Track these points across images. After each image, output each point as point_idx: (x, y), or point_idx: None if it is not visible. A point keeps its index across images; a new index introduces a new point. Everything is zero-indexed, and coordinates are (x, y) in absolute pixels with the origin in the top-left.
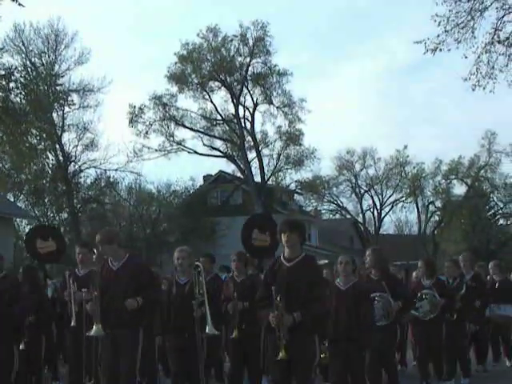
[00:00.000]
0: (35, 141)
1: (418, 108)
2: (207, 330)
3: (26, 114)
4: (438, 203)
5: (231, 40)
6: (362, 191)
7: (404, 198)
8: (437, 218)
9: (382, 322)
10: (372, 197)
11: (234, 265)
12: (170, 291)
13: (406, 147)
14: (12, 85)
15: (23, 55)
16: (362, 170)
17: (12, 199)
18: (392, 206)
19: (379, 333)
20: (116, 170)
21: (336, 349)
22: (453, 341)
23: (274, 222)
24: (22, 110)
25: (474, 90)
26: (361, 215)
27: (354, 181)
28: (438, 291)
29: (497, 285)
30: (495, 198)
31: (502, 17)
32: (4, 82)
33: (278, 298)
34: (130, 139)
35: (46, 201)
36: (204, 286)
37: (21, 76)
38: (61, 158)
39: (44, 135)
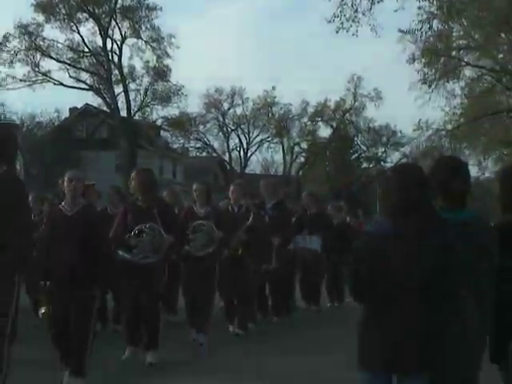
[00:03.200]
0: None
1: (289, 50)
2: None
3: None
4: (304, 145)
5: None
6: (229, 130)
7: (270, 139)
8: (302, 159)
9: (148, 259)
10: (239, 136)
11: None
12: None
13: (274, 88)
14: None
15: None
16: (229, 108)
17: None
18: (258, 146)
19: (142, 272)
20: None
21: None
22: (234, 283)
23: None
24: None
25: (337, 32)
26: (227, 154)
27: (221, 119)
28: (215, 221)
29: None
30: (359, 142)
31: None
32: None
33: None
34: None
35: None
36: None
37: None
38: None
39: None
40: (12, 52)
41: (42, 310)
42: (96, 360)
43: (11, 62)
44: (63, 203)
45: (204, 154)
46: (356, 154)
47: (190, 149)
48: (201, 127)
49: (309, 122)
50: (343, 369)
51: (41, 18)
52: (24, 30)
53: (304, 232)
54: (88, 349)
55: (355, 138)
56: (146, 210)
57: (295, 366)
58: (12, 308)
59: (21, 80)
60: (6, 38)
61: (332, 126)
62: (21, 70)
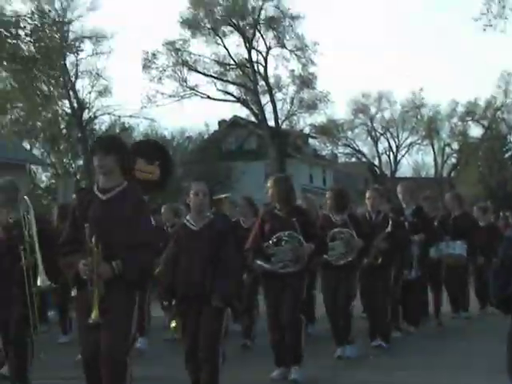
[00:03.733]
0: (46, 88)
1: (433, 48)
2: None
3: (35, 61)
4: (455, 145)
5: None
6: (378, 134)
7: (420, 141)
8: (453, 160)
9: (289, 268)
10: (388, 140)
11: None
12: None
13: (421, 89)
14: (21, 32)
15: (35, 2)
16: (377, 113)
17: (28, 147)
18: (408, 149)
19: (283, 282)
20: (130, 116)
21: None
22: (374, 295)
23: (165, 152)
24: (31, 57)
25: (484, 30)
26: (377, 158)
27: (369, 124)
28: (354, 229)
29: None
30: None
31: None
32: (13, 30)
33: (93, 241)
34: (143, 85)
35: (61, 148)
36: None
37: (29, 23)
38: (75, 104)
39: (53, 81)
40: (160, 69)
41: (173, 324)
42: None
43: (160, 78)
44: (188, 217)
45: (353, 159)
46: (510, 153)
47: (339, 155)
48: (349, 133)
49: (459, 122)
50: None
51: (187, 33)
52: (171, 46)
53: (447, 238)
54: (218, 363)
55: (508, 136)
56: (284, 219)
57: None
58: (132, 326)
59: (170, 96)
60: (154, 55)
61: (483, 125)
62: (169, 85)
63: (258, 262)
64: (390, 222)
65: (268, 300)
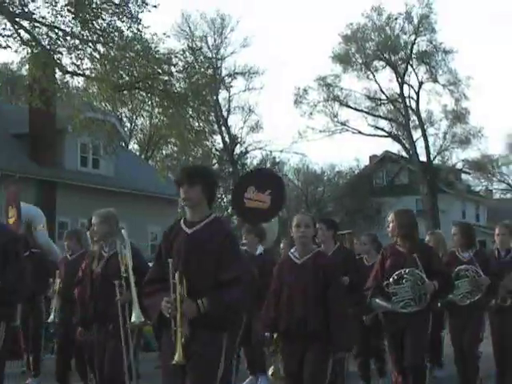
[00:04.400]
0: (197, 124)
1: None
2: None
3: (186, 98)
4: None
5: (396, 18)
6: None
7: None
8: None
9: (410, 307)
10: None
11: None
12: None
13: None
14: (173, 69)
15: (190, 40)
16: None
17: None
18: None
19: (405, 322)
20: (281, 151)
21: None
22: (502, 338)
23: (279, 180)
24: (182, 93)
25: None
26: None
27: None
28: (481, 267)
29: None
30: None
31: None
32: (165, 67)
33: (177, 277)
34: (294, 120)
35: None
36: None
37: (180, 60)
38: (227, 139)
39: (203, 117)
40: (311, 104)
41: (270, 372)
42: None
43: (311, 113)
44: (293, 250)
45: (508, 195)
46: None
47: (494, 191)
48: (503, 168)
49: None
50: None
51: (338, 68)
52: (322, 81)
53: None
54: None
55: None
56: (406, 255)
57: None
58: (218, 370)
59: (320, 131)
60: (305, 90)
61: None
62: (320, 120)
63: (378, 300)
64: None
65: (389, 342)
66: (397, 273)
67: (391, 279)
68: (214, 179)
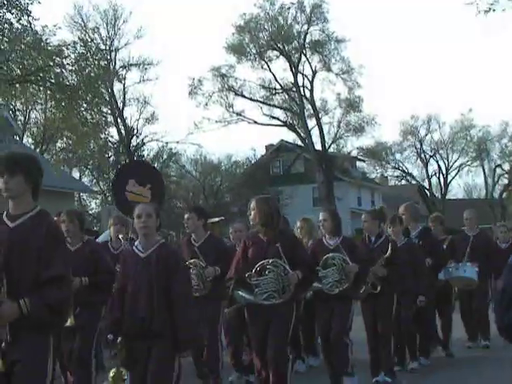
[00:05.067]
0: (90, 116)
1: (482, 70)
2: None
3: (78, 90)
4: (506, 166)
5: (288, 8)
6: (428, 156)
7: (470, 162)
8: (505, 181)
9: (273, 299)
10: (437, 162)
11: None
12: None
13: (470, 110)
14: (65, 61)
15: (82, 32)
16: (426, 135)
17: (78, 175)
18: (458, 171)
19: (267, 314)
20: (177, 142)
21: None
22: (374, 324)
23: (159, 176)
24: (74, 86)
25: None
26: (427, 180)
27: (418, 146)
28: (348, 253)
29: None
30: None
31: None
32: (57, 59)
33: None
34: (190, 111)
35: (110, 174)
36: None
37: (72, 52)
38: (123, 131)
39: (95, 109)
40: (206, 94)
41: (111, 374)
42: None
43: (206, 104)
44: (137, 242)
45: (403, 182)
46: None
47: (389, 178)
48: (398, 155)
49: (509, 143)
50: None
51: (233, 59)
52: (217, 72)
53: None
54: None
55: None
56: (267, 244)
57: None
58: (47, 377)
59: (216, 121)
60: (200, 81)
61: None
62: (215, 111)
63: (240, 293)
64: (390, 247)
65: (252, 335)
66: (259, 263)
67: (254, 271)
68: (38, 167)
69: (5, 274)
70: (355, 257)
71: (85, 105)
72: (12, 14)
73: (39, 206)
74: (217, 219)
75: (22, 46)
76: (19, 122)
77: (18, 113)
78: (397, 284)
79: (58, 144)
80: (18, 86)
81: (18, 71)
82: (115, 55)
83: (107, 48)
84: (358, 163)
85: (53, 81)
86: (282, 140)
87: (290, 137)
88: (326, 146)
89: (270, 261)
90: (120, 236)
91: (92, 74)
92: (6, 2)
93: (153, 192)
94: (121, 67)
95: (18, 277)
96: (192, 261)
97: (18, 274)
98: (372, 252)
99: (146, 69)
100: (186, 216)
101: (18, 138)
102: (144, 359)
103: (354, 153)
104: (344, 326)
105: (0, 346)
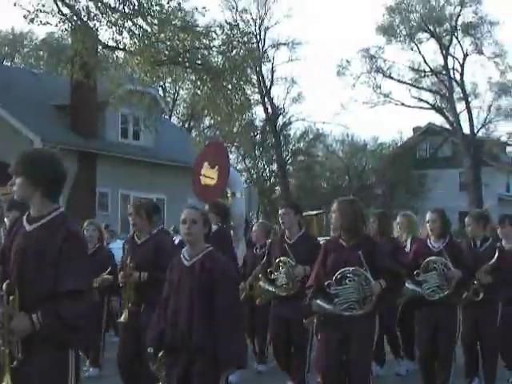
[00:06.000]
0: (234, 98)
1: None
2: None
3: (223, 72)
4: None
5: None
6: None
7: None
8: None
9: (354, 310)
10: None
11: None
12: None
13: None
14: (212, 43)
15: (233, 11)
16: None
17: None
18: None
19: (347, 326)
20: (323, 122)
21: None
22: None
23: (226, 157)
24: (220, 68)
25: None
26: None
27: None
28: (451, 258)
29: None
30: None
31: None
32: (205, 40)
33: (4, 286)
34: (336, 92)
35: (256, 153)
36: None
37: (220, 34)
38: (270, 110)
39: (240, 93)
40: (354, 75)
41: None
42: None
43: (353, 85)
44: (184, 249)
45: None
46: None
47: None
48: None
49: None
50: None
51: (382, 40)
52: (366, 53)
53: None
54: None
55: None
56: (349, 250)
57: None
58: None
59: (363, 102)
60: (348, 62)
61: None
62: (363, 92)
63: (319, 301)
64: (497, 253)
65: (326, 352)
66: (339, 272)
67: (334, 279)
68: (47, 166)
69: (18, 284)
70: (459, 262)
71: (229, 86)
72: None
73: (60, 209)
74: (314, 212)
75: (171, 28)
76: (169, 99)
77: (168, 90)
78: (502, 291)
79: (205, 122)
80: (165, 67)
81: (166, 52)
82: (265, 34)
83: (257, 27)
84: (508, 148)
85: (199, 62)
86: (430, 123)
87: (438, 120)
88: (475, 130)
89: (351, 269)
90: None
91: (237, 58)
92: None
93: (219, 173)
94: (270, 46)
95: (31, 288)
96: (282, 259)
97: (31, 285)
98: (477, 257)
99: (294, 48)
100: (281, 211)
101: (165, 116)
102: (185, 374)
103: (504, 138)
104: (452, 341)
105: (11, 363)
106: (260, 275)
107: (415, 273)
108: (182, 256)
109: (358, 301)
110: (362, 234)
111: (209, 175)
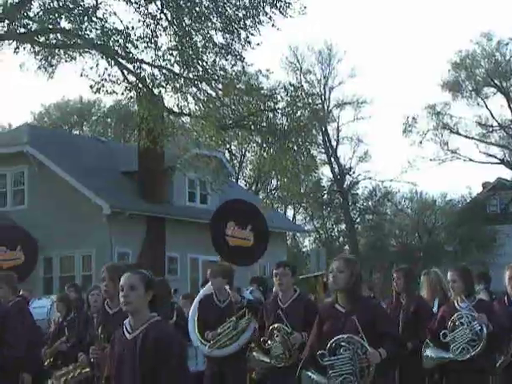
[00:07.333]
0: (300, 159)
1: None
2: None
3: (288, 134)
4: None
5: (506, 44)
6: None
7: None
8: None
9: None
10: None
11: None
12: None
13: None
14: (277, 105)
15: (297, 72)
16: None
17: (292, 212)
18: None
19: None
20: (391, 180)
21: None
22: None
23: (257, 212)
24: (285, 129)
25: None
26: None
27: None
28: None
29: None
30: None
31: None
32: (269, 103)
33: None
34: (403, 150)
35: (323, 213)
36: None
37: (286, 95)
38: (336, 170)
39: (305, 153)
40: (421, 132)
41: None
42: None
43: (420, 142)
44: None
45: None
46: None
47: None
48: None
49: None
50: None
51: (447, 96)
52: (432, 109)
53: None
54: None
55: None
56: (345, 316)
57: None
58: None
59: (431, 159)
60: (414, 119)
61: None
62: (430, 149)
63: (309, 373)
64: None
65: None
66: (333, 340)
67: (327, 348)
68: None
69: None
70: (492, 323)
71: (295, 147)
72: (227, 60)
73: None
74: (319, 273)
75: (236, 92)
76: (236, 161)
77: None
78: None
79: (273, 183)
80: (229, 131)
81: (231, 116)
82: (329, 94)
83: (321, 87)
84: None
85: (264, 124)
86: (499, 178)
87: (508, 174)
88: None
89: (345, 336)
90: (226, 287)
91: (302, 119)
92: (222, 50)
93: (255, 234)
94: (335, 106)
95: None
96: (276, 325)
97: None
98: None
99: (359, 107)
100: (277, 271)
101: (233, 180)
102: None
103: None
104: None
105: None
106: (253, 345)
107: (442, 333)
108: (124, 328)
109: (353, 373)
110: (360, 296)
111: (241, 236)
